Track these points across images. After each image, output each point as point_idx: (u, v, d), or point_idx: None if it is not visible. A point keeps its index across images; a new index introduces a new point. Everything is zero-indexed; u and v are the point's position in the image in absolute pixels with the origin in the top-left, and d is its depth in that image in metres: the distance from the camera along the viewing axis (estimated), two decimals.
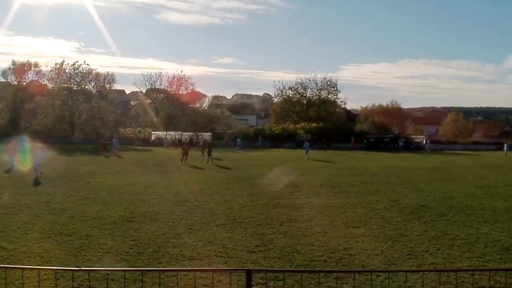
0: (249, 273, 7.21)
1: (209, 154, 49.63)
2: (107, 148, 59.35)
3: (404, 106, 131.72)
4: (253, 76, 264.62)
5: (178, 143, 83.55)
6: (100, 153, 58.08)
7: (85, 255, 14.55)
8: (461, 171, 42.48)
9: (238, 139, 79.97)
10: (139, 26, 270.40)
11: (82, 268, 11.55)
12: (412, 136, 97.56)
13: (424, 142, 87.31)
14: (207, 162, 47.97)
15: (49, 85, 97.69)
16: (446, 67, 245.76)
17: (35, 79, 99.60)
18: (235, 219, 20.21)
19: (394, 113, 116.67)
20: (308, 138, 78.63)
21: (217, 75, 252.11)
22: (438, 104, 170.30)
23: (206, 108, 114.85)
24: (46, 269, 12.10)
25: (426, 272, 12.75)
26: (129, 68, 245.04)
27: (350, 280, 12.13)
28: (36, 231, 17.56)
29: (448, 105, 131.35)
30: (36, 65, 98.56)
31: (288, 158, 57.71)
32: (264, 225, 19.09)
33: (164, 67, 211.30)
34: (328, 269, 13.57)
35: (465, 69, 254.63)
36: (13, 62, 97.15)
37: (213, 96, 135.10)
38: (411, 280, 12.33)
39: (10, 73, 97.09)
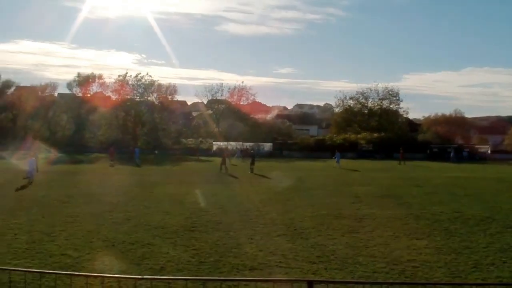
0: (310, 284, 7.16)
1: (252, 163, 49.78)
2: (114, 157, 59.22)
3: (468, 115, 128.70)
4: (313, 86, 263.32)
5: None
6: (110, 162, 58.29)
7: (147, 264, 14.73)
8: None
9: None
10: (199, 37, 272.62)
11: (145, 277, 11.66)
12: (477, 146, 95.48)
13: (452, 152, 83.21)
14: (250, 172, 48.22)
15: (113, 97, 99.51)
16: (511, 75, 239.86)
17: (99, 90, 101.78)
18: (296, 229, 20.14)
19: (457, 122, 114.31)
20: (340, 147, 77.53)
21: (277, 85, 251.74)
22: (504, 113, 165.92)
23: (271, 119, 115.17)
24: (110, 277, 12.29)
25: (492, 286, 12.44)
26: (189, 79, 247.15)
27: None
28: (100, 239, 17.89)
29: None
30: (100, 77, 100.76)
31: (349, 168, 57.23)
32: (325, 235, 18.96)
33: (224, 78, 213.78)
34: (390, 281, 13.37)
35: None
36: (78, 75, 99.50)
37: (277, 108, 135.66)
38: None
39: (75, 85, 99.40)
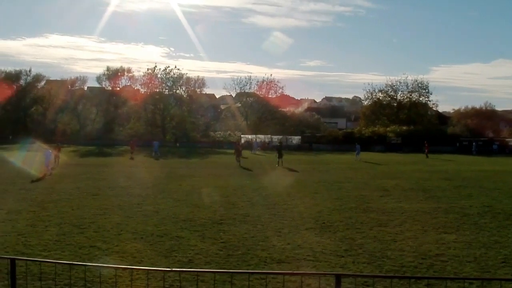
0: (338, 277, 7.15)
1: (280, 156, 49.83)
2: (134, 150, 59.23)
3: (499, 108, 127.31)
4: (342, 79, 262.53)
5: (267, 146, 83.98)
6: (130, 154, 58.31)
7: (175, 256, 14.82)
8: None
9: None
10: (227, 30, 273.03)
11: (173, 269, 11.75)
12: (507, 139, 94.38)
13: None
14: (277, 165, 48.36)
15: (142, 90, 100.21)
16: None
17: (128, 84, 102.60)
18: (324, 223, 20.12)
19: (487, 115, 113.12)
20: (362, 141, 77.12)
21: (306, 78, 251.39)
22: None
23: (299, 112, 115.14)
24: (138, 269, 12.40)
25: None
26: (217, 72, 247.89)
27: (442, 287, 11.85)
28: (129, 231, 18.04)
29: None
30: (128, 70, 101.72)
31: (377, 161, 56.90)
32: (353, 229, 18.91)
33: (253, 71, 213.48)
34: (419, 275, 13.30)
35: None
36: (108, 68, 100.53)
37: (306, 101, 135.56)
38: None
39: (104, 78, 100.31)
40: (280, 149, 52.66)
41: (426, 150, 67.19)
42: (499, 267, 14.14)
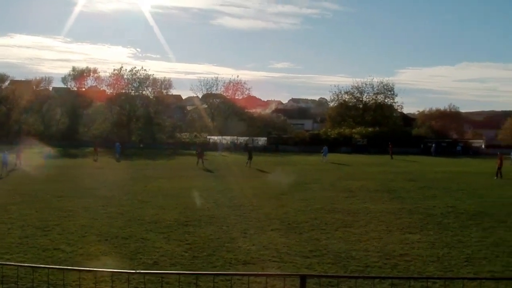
0: (303, 278, 7.17)
1: (249, 158, 50.03)
2: (98, 151, 59.04)
3: (463, 110, 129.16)
4: (309, 81, 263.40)
5: (233, 148, 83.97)
6: (95, 156, 58.00)
7: (140, 258, 14.75)
8: None
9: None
10: (195, 31, 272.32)
11: (138, 271, 11.68)
12: (471, 141, 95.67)
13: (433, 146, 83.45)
14: (246, 165, 48.62)
15: (108, 91, 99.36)
16: (507, 70, 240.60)
17: (94, 85, 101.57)
18: (289, 224, 20.18)
19: (452, 117, 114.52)
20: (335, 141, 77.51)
21: (273, 80, 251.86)
22: (498, 108, 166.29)
23: (266, 113, 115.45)
24: (103, 271, 12.29)
25: (484, 280, 12.50)
26: (185, 74, 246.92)
27: (405, 286, 11.97)
28: (93, 234, 17.89)
29: (509, 109, 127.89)
30: (95, 71, 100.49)
31: (343, 162, 57.26)
32: (318, 230, 19.02)
33: (220, 72, 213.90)
34: (383, 275, 13.42)
35: None
36: (73, 69, 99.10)
37: (273, 102, 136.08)
38: (468, 287, 12.09)
39: (70, 79, 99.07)
40: (250, 150, 52.85)
41: (390, 151, 67.94)
42: (462, 266, 14.34)
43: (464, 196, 28.90)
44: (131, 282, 11.86)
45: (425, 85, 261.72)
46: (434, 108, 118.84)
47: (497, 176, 39.48)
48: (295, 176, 39.27)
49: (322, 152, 61.22)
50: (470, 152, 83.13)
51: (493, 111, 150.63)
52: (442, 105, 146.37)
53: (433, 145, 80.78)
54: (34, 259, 14.53)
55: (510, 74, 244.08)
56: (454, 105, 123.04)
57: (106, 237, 17.33)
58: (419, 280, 12.50)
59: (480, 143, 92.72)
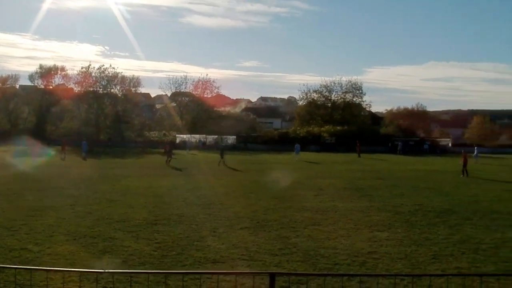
0: (272, 276, 7.19)
1: (222, 156, 50.07)
2: (65, 150, 58.10)
3: (430, 109, 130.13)
4: (278, 79, 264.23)
5: (202, 146, 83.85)
6: (62, 155, 56.99)
7: (109, 257, 14.63)
8: (487, 175, 42.04)
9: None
10: (164, 29, 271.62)
11: (106, 271, 11.59)
12: (438, 139, 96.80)
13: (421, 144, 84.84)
14: (218, 164, 48.57)
15: (76, 89, 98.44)
16: (473, 69, 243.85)
17: (61, 83, 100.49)
18: (259, 222, 20.20)
19: (419, 116, 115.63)
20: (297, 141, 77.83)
21: (242, 78, 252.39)
22: (465, 107, 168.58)
23: (238, 111, 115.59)
24: (71, 271, 12.17)
25: (450, 277, 12.62)
26: (153, 72, 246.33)
27: (373, 284, 12.04)
28: (61, 233, 17.69)
29: (475, 108, 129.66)
30: (62, 69, 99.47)
31: (312, 161, 57.49)
32: (288, 228, 19.06)
33: (189, 70, 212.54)
34: (351, 272, 13.48)
35: (492, 71, 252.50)
36: (40, 66, 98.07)
37: (242, 101, 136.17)
38: (435, 284, 12.23)
39: (37, 77, 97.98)
40: (222, 149, 52.96)
41: (358, 150, 68.46)
42: (429, 263, 14.49)
43: (431, 194, 29.23)
44: (99, 281, 11.77)
45: (393, 84, 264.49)
46: (402, 107, 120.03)
47: (463, 174, 39.99)
48: (264, 175, 39.34)
49: (295, 150, 61.83)
50: (437, 150, 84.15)
51: (459, 110, 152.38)
52: (409, 104, 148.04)
53: (400, 143, 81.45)
54: (1, 259, 14.31)
55: (475, 74, 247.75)
56: (421, 104, 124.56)
57: (74, 237, 17.15)
58: (387, 277, 12.58)
59: (447, 141, 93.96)
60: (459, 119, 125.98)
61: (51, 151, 59.33)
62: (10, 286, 11.34)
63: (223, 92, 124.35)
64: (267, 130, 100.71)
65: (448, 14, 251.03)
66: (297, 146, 63.38)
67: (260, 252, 15.50)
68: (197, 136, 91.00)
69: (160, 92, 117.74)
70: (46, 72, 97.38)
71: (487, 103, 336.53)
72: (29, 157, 52.36)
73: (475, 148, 60.38)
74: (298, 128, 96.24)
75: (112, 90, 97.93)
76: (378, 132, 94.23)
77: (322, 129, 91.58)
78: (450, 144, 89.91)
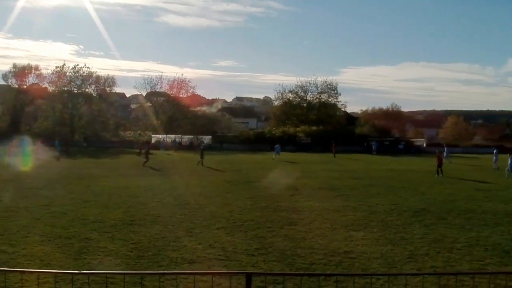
0: (249, 276, 7.19)
1: (201, 156, 49.87)
2: (40, 150, 57.68)
3: (405, 109, 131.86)
4: (253, 79, 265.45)
5: (178, 146, 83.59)
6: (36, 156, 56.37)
7: (85, 258, 14.53)
8: (461, 174, 42.42)
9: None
10: (139, 29, 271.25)
11: (82, 272, 11.53)
12: (413, 139, 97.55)
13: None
14: (197, 164, 48.42)
15: (50, 88, 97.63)
16: (446, 70, 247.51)
17: (35, 82, 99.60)
18: (235, 222, 20.20)
19: (394, 116, 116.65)
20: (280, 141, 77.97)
21: (217, 78, 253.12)
22: (439, 107, 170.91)
23: (214, 111, 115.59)
24: (46, 272, 12.08)
25: (426, 275, 12.74)
26: (128, 71, 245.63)
27: (350, 283, 12.10)
28: (36, 234, 17.54)
29: (449, 108, 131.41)
30: (36, 68, 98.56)
31: (288, 160, 57.61)
32: (264, 228, 19.08)
33: (164, 70, 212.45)
34: (328, 272, 13.54)
35: (465, 72, 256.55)
36: (14, 65, 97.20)
37: (217, 101, 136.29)
38: (411, 283, 12.32)
39: (11, 76, 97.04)
40: (202, 150, 52.91)
41: (333, 150, 68.68)
42: (405, 262, 14.59)
43: (406, 193, 29.43)
44: (75, 282, 11.70)
45: (367, 84, 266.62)
46: (377, 107, 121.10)
47: (438, 174, 40.31)
48: (240, 175, 39.38)
49: (275, 150, 62.17)
50: (412, 150, 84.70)
51: (434, 110, 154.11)
52: (384, 104, 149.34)
53: (374, 143, 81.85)
54: None
55: (450, 75, 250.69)
56: (396, 105, 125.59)
57: (49, 237, 17.02)
58: (363, 277, 12.65)
59: (421, 141, 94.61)
60: (433, 119, 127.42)
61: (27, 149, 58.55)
62: None
63: (199, 92, 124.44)
64: (242, 130, 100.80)
65: (421, 16, 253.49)
66: (278, 146, 63.78)
67: (237, 252, 15.51)
68: (173, 136, 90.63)
69: (135, 92, 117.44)
70: (20, 71, 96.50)
71: (461, 103, 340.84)
72: (4, 157, 51.72)
73: (445, 148, 60.75)
74: (274, 128, 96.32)
75: (86, 90, 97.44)
76: (353, 132, 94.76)
77: (298, 129, 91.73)
78: (424, 144, 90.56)
